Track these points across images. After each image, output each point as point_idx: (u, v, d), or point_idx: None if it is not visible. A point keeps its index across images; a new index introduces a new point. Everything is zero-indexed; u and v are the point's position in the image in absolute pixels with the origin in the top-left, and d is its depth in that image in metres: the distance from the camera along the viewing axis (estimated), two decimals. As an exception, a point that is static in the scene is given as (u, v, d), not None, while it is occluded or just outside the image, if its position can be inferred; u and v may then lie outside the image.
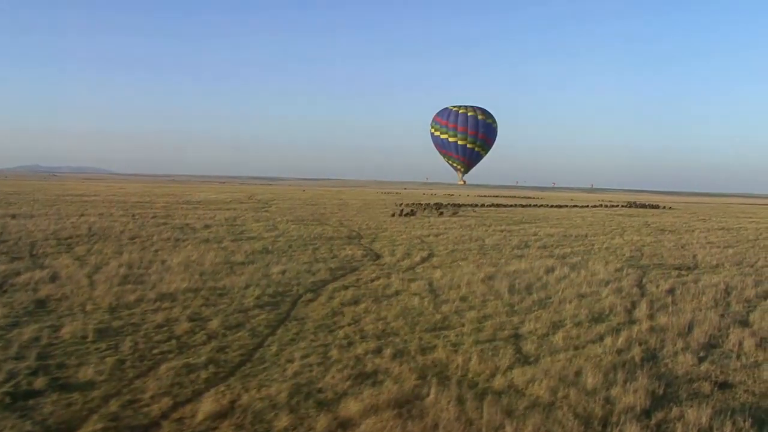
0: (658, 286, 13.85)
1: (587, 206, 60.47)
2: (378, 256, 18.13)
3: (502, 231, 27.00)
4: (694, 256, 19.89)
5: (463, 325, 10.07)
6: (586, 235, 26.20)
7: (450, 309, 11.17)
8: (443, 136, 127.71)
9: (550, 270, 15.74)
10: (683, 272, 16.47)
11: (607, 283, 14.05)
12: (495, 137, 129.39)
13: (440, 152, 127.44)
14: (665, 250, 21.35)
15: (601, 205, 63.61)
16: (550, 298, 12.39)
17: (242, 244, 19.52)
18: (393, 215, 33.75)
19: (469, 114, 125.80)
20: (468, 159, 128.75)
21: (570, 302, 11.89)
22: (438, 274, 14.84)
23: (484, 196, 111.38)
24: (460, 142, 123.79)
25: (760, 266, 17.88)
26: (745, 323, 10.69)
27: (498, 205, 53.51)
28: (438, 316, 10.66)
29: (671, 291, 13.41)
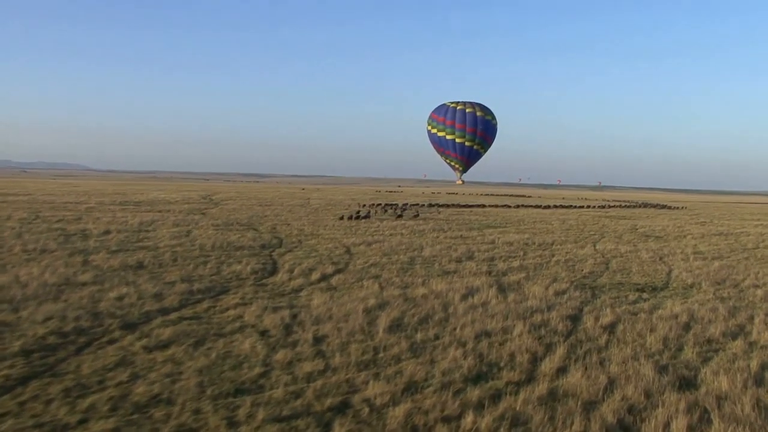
0: (598, 319, 11.14)
1: (576, 206, 57.99)
2: (273, 272, 15.63)
3: (454, 238, 24.54)
4: (669, 272, 17.28)
5: (278, 387, 7.42)
6: (553, 243, 23.66)
7: (284, 357, 8.58)
8: (440, 134, 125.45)
9: (469, 294, 13.07)
10: (645, 295, 13.81)
11: (532, 314, 11.37)
12: (495, 135, 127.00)
13: (437, 151, 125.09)
14: (637, 264, 18.78)
15: (588, 206, 60.93)
16: (439, 338, 9.71)
17: (119, 257, 17.07)
18: (341, 218, 31.30)
19: (467, 110, 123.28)
20: (467, 157, 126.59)
21: (461, 346, 9.22)
22: (320, 300, 12.28)
23: (475, 194, 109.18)
24: (458, 140, 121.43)
25: (745, 286, 15.22)
26: (689, 383, 7.97)
27: (473, 206, 51.02)
28: (256, 370, 8.05)
29: (612, 327, 10.71)
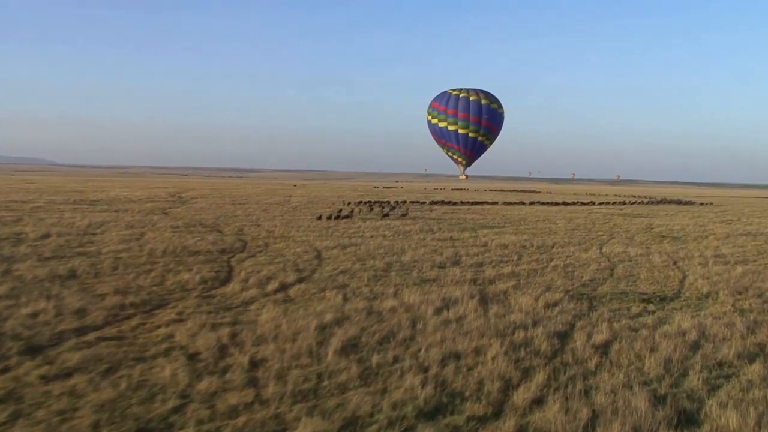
0: (590, 337, 10.51)
1: (587, 203, 57.56)
2: (226, 282, 15.02)
3: (442, 240, 23.97)
4: (683, 279, 16.68)
5: (189, 425, 6.82)
6: (553, 246, 23.09)
7: (208, 387, 8.02)
8: (441, 124, 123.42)
9: (445, 306, 12.44)
10: (651, 306, 13.20)
11: (513, 330, 10.74)
12: (501, 125, 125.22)
13: (439, 143, 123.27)
14: (647, 269, 18.22)
15: (601, 203, 60.37)
16: (398, 361, 9.08)
17: (50, 265, 16.51)
18: (320, 218, 30.72)
19: (471, 98, 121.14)
20: (470, 150, 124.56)
21: (422, 372, 8.59)
22: (270, 314, 11.68)
23: (480, 191, 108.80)
24: (461, 131, 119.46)
25: (770, 296, 14.60)
26: (690, 419, 7.34)
27: (473, 204, 50.64)
28: (170, 404, 7.50)
29: (605, 346, 10.08)
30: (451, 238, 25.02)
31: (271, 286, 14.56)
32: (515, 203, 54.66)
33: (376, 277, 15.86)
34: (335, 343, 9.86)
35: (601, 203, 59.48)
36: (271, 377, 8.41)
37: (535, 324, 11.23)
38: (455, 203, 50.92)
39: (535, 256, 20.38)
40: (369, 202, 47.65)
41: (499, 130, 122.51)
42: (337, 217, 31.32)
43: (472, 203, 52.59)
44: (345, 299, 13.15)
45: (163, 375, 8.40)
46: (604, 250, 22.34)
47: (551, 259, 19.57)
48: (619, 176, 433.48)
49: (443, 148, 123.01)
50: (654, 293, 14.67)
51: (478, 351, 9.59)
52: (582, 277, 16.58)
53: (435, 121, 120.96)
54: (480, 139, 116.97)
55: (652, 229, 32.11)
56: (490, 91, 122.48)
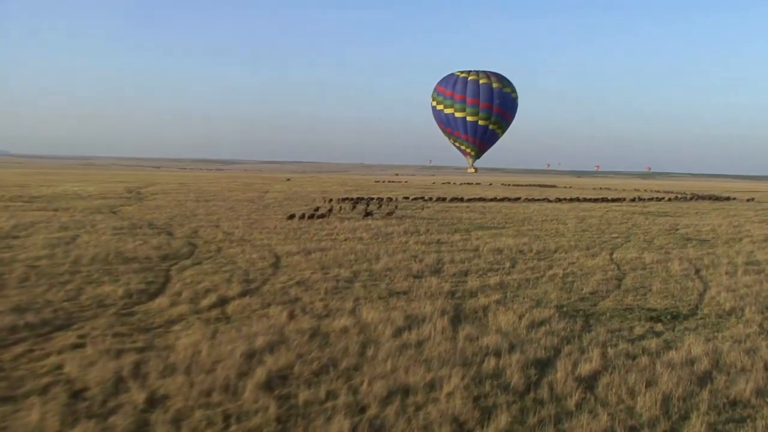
0: (576, 366, 9.74)
1: (607, 200, 57.03)
2: (155, 295, 14.33)
3: (427, 244, 23.32)
4: (703, 291, 15.94)
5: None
6: (556, 250, 22.39)
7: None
8: (448, 111, 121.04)
9: (408, 327, 11.68)
10: (658, 326, 12.45)
11: (483, 357, 9.97)
12: (515, 111, 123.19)
13: (444, 132, 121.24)
14: (662, 279, 17.54)
15: (622, 199, 59.65)
16: (331, 399, 8.32)
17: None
18: (291, 218, 30.08)
19: (481, 81, 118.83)
20: (480, 140, 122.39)
21: (356, 413, 7.87)
22: (194, 337, 11.01)
23: (491, 185, 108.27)
24: (469, 118, 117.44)
25: (805, 312, 13.83)
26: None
27: (473, 200, 50.47)
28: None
29: (592, 379, 9.30)
30: (438, 241, 24.38)
31: (207, 300, 13.84)
32: (515, 200, 53.97)
33: (336, 290, 15.14)
34: (260, 374, 9.12)
35: (619, 199, 58.63)
36: (166, 421, 7.65)
37: (511, 349, 10.47)
38: (454, 199, 50.23)
39: (532, 263, 19.69)
40: (354, 198, 47.06)
41: (513, 117, 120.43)
42: (312, 217, 30.66)
43: (473, 200, 51.91)
44: (290, 317, 12.43)
45: (27, 420, 7.64)
46: (615, 255, 21.64)
47: (550, 267, 18.87)
48: (649, 168, 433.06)
49: (449, 138, 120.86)
50: (665, 309, 13.91)
51: (432, 384, 8.82)
52: (582, 288, 15.84)
53: (440, 107, 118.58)
54: (491, 127, 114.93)
55: (677, 230, 31.44)
56: (502, 73, 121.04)
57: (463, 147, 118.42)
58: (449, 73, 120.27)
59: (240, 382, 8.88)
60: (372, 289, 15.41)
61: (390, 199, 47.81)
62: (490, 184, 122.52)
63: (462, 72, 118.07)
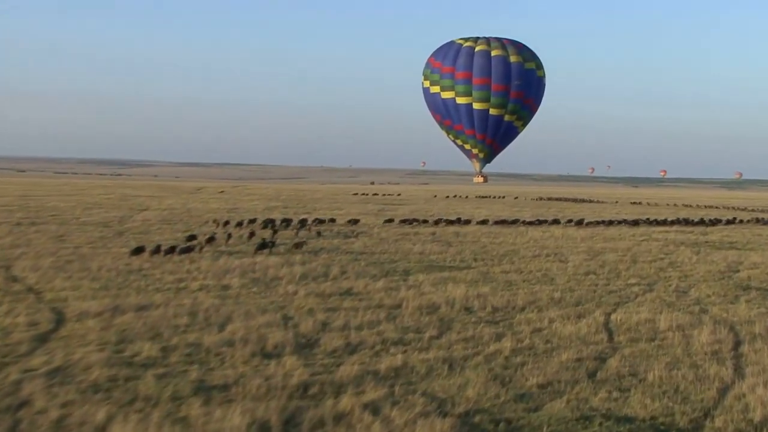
0: None
1: (640, 222, 56.85)
2: None
3: (327, 296, 22.62)
4: (731, 384, 14.26)
5: None
6: (524, 307, 21.29)
7: None
8: (445, 94, 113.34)
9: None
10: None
11: None
12: (541, 96, 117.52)
13: (440, 123, 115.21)
14: (672, 360, 16.34)
15: (675, 221, 58.58)
16: None
17: None
18: (138, 253, 28.81)
19: (493, 53, 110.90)
20: (492, 136, 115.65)
21: None
22: None
23: (500, 197, 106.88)
24: (476, 106, 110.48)
25: None
26: None
27: (451, 223, 50.60)
28: None
29: None
30: (348, 291, 23.68)
31: None
32: (512, 222, 53.59)
33: (110, 383, 13.71)
34: None
35: (666, 222, 57.66)
36: None
37: None
38: (417, 222, 50.64)
39: (475, 329, 18.61)
40: (267, 220, 45.89)
41: (538, 105, 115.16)
42: (171, 251, 29.01)
43: (451, 222, 51.87)
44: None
45: None
46: (614, 316, 20.25)
47: (499, 337, 17.66)
48: (740, 174, 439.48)
49: (448, 133, 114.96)
50: (650, 421, 12.09)
51: None
52: (529, 378, 14.27)
53: (435, 89, 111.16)
54: (508, 118, 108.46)
55: (737, 271, 30.23)
56: (522, 42, 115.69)
57: (467, 146, 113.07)
58: (449, 40, 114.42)
59: None
60: (173, 380, 13.62)
61: (317, 222, 46.83)
62: (503, 197, 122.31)
63: (466, 40, 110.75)
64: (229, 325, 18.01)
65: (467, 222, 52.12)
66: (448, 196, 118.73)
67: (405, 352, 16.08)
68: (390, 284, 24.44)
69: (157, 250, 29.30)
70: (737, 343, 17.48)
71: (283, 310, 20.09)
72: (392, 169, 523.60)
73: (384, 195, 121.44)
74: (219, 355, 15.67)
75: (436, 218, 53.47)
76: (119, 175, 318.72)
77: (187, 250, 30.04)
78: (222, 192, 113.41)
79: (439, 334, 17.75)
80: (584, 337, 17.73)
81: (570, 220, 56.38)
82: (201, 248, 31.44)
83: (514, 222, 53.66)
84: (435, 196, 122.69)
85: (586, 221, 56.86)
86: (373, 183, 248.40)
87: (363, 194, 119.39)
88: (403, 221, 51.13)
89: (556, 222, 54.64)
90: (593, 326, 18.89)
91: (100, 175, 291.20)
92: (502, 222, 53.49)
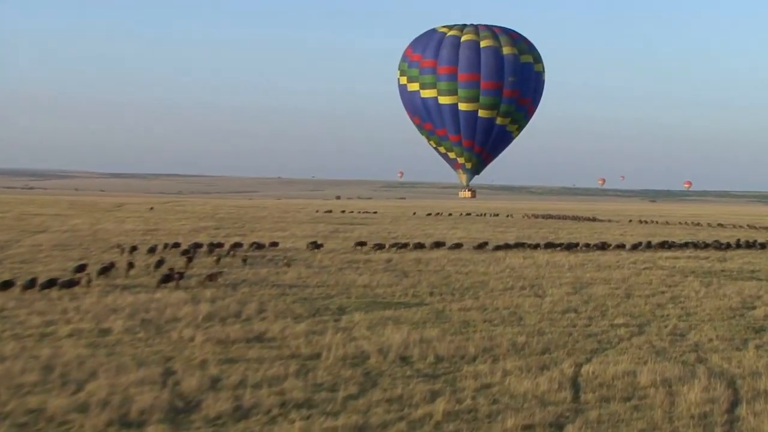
0: None
1: (643, 246, 56.56)
2: None
3: (226, 344, 21.93)
4: None
5: None
6: (476, 357, 20.45)
7: None
8: (425, 93, 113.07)
9: None
10: None
11: None
12: (540, 95, 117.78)
13: (419, 127, 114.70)
14: (648, 426, 15.18)
15: (694, 244, 58.16)
16: None
17: None
18: (5, 288, 28.69)
19: (482, 44, 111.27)
20: (481, 143, 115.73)
21: None
22: None
23: (493, 215, 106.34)
24: (462, 107, 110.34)
25: None
26: None
27: (417, 248, 50.87)
28: None
29: None
30: (258, 337, 23.18)
31: None
32: (498, 248, 52.92)
33: None
34: None
35: (676, 246, 57.29)
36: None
37: None
38: (379, 246, 50.24)
39: (406, 387, 17.91)
40: (191, 246, 45.95)
41: (536, 106, 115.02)
42: (49, 285, 28.83)
43: (418, 247, 51.66)
44: None
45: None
46: (585, 368, 19.13)
47: (432, 398, 16.96)
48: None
49: (429, 138, 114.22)
50: None
51: None
52: None
53: (413, 86, 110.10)
54: (500, 121, 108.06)
55: (753, 308, 29.69)
56: (517, 31, 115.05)
57: (451, 155, 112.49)
58: (430, 28, 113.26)
59: None
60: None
61: (256, 246, 47.04)
62: (496, 214, 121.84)
63: (451, 27, 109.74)
64: (90, 384, 17.10)
65: (438, 245, 51.72)
66: (430, 214, 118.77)
67: (308, 417, 15.26)
68: (315, 327, 23.96)
69: (31, 284, 28.78)
70: (734, 404, 16.73)
71: (168, 363, 19.32)
72: (364, 180, 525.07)
73: (361, 212, 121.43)
74: (64, 424, 14.78)
75: (396, 243, 52.83)
76: (31, 188, 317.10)
77: (70, 284, 29.50)
78: (152, 209, 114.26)
79: (359, 393, 17.03)
80: (542, 396, 16.99)
81: (560, 244, 55.86)
82: (89, 282, 30.79)
83: (499, 248, 52.81)
84: (414, 213, 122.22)
85: (581, 244, 56.37)
86: (338, 198, 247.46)
87: (327, 212, 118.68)
88: (359, 243, 50.92)
89: (551, 246, 54.28)
90: (557, 381, 18.11)
91: (7, 188, 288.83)
92: (481, 246, 52.69)
